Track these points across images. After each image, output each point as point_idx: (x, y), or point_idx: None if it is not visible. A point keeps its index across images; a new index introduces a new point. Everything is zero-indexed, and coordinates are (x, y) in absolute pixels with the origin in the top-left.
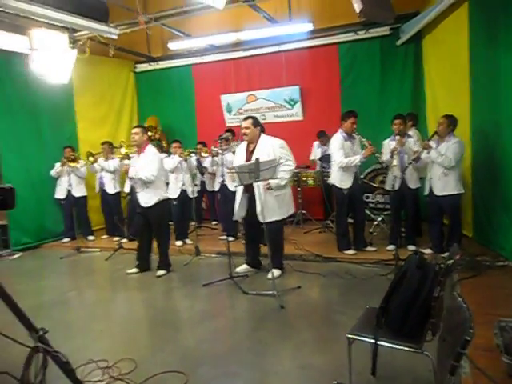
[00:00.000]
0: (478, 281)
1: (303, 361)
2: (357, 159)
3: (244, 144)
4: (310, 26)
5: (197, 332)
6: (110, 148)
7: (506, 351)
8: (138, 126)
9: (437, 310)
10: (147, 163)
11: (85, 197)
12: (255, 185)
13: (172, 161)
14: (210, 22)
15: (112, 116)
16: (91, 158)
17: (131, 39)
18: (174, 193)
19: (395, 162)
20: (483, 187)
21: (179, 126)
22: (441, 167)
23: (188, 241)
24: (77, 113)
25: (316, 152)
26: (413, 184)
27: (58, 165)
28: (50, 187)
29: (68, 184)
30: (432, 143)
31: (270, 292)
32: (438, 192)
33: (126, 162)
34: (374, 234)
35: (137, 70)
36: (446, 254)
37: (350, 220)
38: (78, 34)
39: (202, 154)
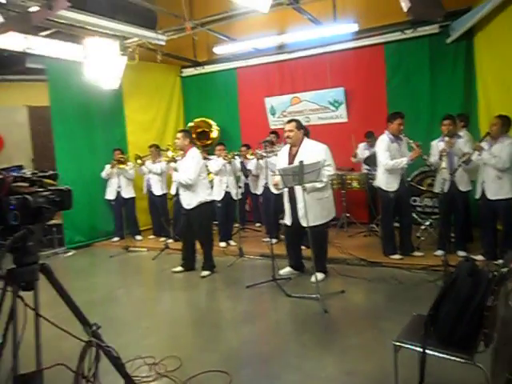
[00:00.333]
0: None
1: (348, 367)
2: (403, 161)
3: (286, 147)
4: (355, 27)
5: (240, 333)
6: (157, 151)
7: None
8: (180, 131)
9: (490, 320)
10: (186, 167)
11: (133, 198)
12: (297, 188)
13: (216, 163)
14: (254, 25)
15: (159, 119)
16: (139, 161)
17: (178, 45)
18: (218, 195)
19: (444, 164)
20: None
21: (224, 128)
22: (494, 170)
23: (232, 242)
24: (126, 116)
25: (363, 154)
26: (463, 187)
27: (108, 166)
28: (101, 188)
29: (118, 185)
30: (484, 144)
31: (314, 295)
32: (491, 196)
33: (172, 164)
34: (422, 238)
35: (183, 75)
36: (500, 261)
37: (396, 224)
38: (128, 41)
39: (248, 157)
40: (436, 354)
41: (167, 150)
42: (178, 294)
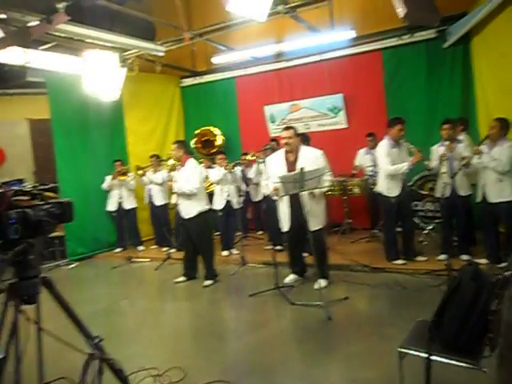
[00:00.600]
0: None
1: (353, 374)
2: (404, 167)
3: (279, 154)
4: (352, 34)
5: (244, 342)
6: (157, 161)
7: None
8: (174, 142)
9: (495, 324)
10: (189, 177)
11: (135, 208)
12: (301, 194)
13: (217, 173)
14: (252, 34)
15: (159, 130)
16: (140, 171)
17: (176, 55)
18: (219, 204)
19: (444, 169)
20: None
21: (224, 137)
22: (494, 173)
23: (234, 251)
24: (127, 128)
25: (364, 159)
26: (464, 191)
27: (108, 178)
28: (103, 200)
29: (119, 197)
30: (483, 148)
31: (317, 303)
32: (492, 199)
33: (171, 173)
34: (425, 243)
35: (182, 85)
36: (504, 265)
37: (399, 229)
38: (127, 52)
39: (248, 158)
40: (441, 359)
41: (168, 159)
42: (181, 305)
